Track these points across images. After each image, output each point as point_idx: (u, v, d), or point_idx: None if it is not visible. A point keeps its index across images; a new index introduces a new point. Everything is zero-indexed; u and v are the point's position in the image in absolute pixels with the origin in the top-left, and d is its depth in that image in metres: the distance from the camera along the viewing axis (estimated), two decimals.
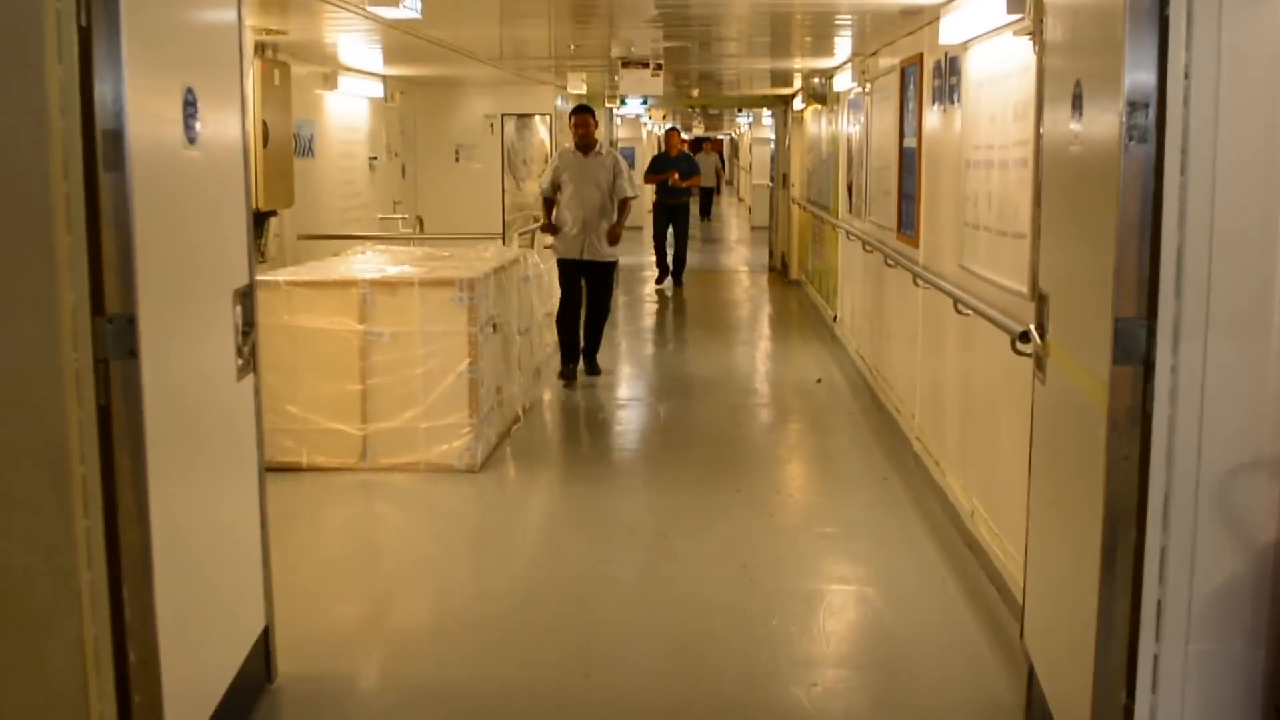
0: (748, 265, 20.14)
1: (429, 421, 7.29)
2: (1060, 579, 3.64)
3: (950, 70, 6.39)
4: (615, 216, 9.55)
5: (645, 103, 18.00)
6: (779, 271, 17.99)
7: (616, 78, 10.12)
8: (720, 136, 51.17)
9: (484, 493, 7.10)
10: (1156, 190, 2.96)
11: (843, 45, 9.29)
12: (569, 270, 9.60)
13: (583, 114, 9.54)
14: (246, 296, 4.06)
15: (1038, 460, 3.98)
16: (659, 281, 16.34)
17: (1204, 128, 2.91)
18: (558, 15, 7.44)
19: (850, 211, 10.76)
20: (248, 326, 4.05)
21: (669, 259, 16.66)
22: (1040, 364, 3.96)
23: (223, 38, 3.95)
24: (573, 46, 8.96)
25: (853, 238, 10.06)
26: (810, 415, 8.98)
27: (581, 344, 9.77)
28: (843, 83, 10.55)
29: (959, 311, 5.79)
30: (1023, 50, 4.75)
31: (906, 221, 7.77)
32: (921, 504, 6.55)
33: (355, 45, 9.65)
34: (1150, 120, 2.96)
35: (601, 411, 9.21)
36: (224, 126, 3.85)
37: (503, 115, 14.00)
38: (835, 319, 12.08)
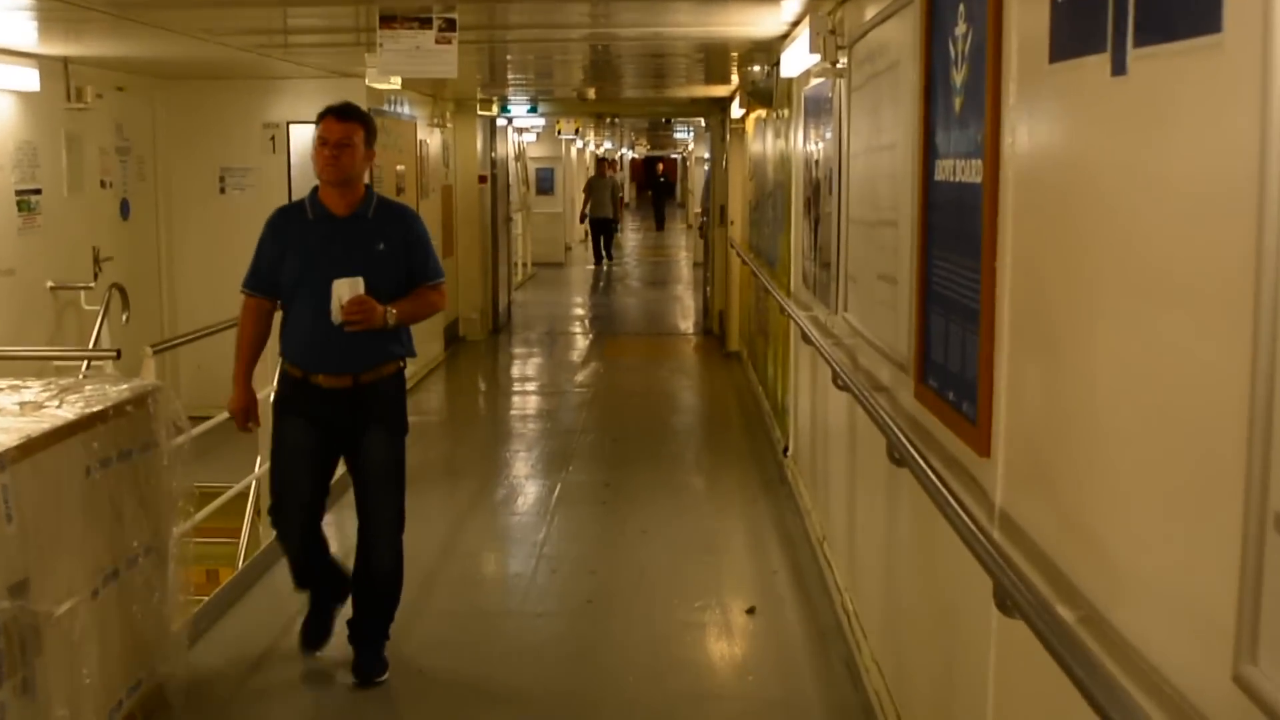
0: (681, 322, 15.47)
1: None
2: None
3: None
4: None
5: (533, 109, 13.34)
6: (715, 336, 13.36)
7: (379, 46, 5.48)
8: (674, 156, 46.67)
9: None
10: None
11: None
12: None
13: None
14: None
15: None
16: (308, 644, 4.75)
17: None
18: None
19: (809, 288, 6.13)
20: None
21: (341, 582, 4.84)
22: None
23: None
24: None
25: (811, 342, 5.42)
26: None
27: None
28: (795, 62, 5.95)
29: None
30: None
31: (942, 369, 3.13)
32: None
33: None
34: None
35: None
36: None
37: (289, 124, 9.30)
38: (786, 452, 7.44)
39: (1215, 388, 1.65)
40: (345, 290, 4.23)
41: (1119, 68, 1.95)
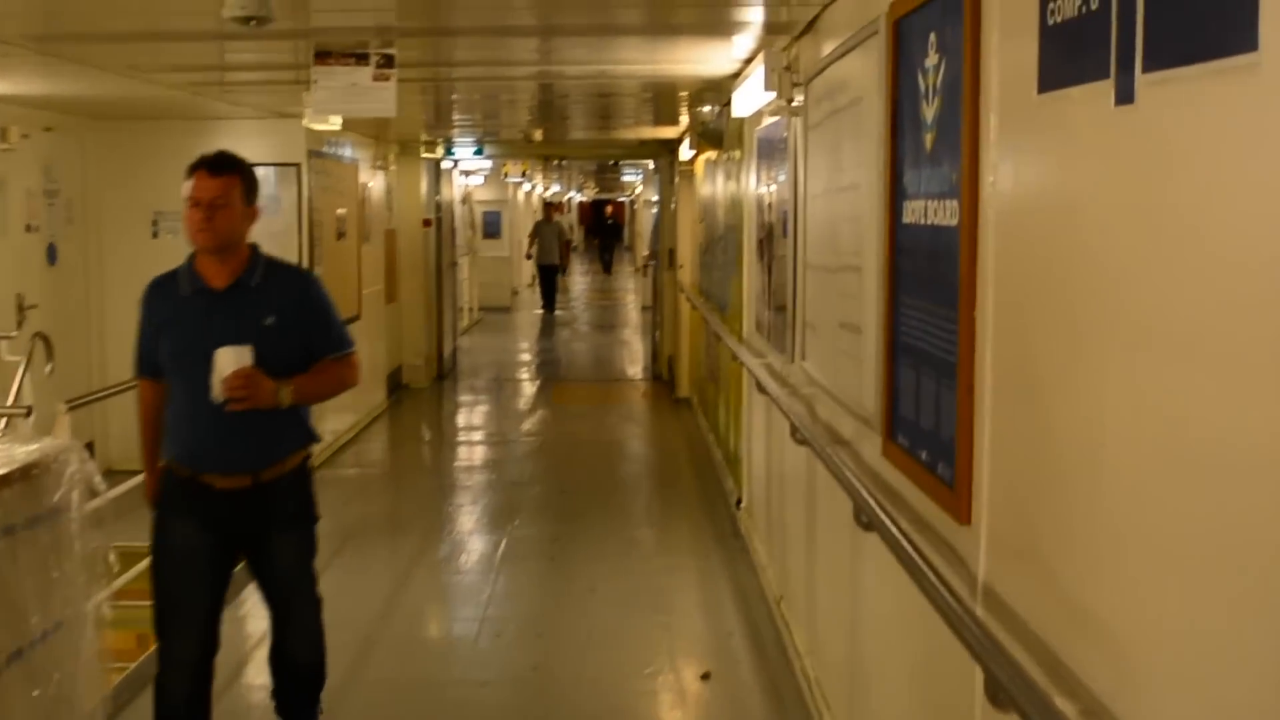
0: (629, 368, 15.22)
1: None
2: None
3: None
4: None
5: (479, 152, 13.11)
6: (664, 381, 13.12)
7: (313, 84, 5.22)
8: (622, 199, 46.57)
9: None
10: None
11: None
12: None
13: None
14: None
15: None
16: None
17: None
18: None
19: (763, 334, 5.92)
20: None
21: None
22: None
23: None
24: None
25: (766, 392, 5.19)
26: None
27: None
28: (748, 100, 5.76)
29: None
30: None
31: (913, 426, 2.91)
32: None
33: None
34: None
35: None
36: None
37: None
38: (739, 504, 7.20)
39: (1252, 454, 1.43)
40: (229, 361, 3.57)
41: (1124, 96, 1.74)
